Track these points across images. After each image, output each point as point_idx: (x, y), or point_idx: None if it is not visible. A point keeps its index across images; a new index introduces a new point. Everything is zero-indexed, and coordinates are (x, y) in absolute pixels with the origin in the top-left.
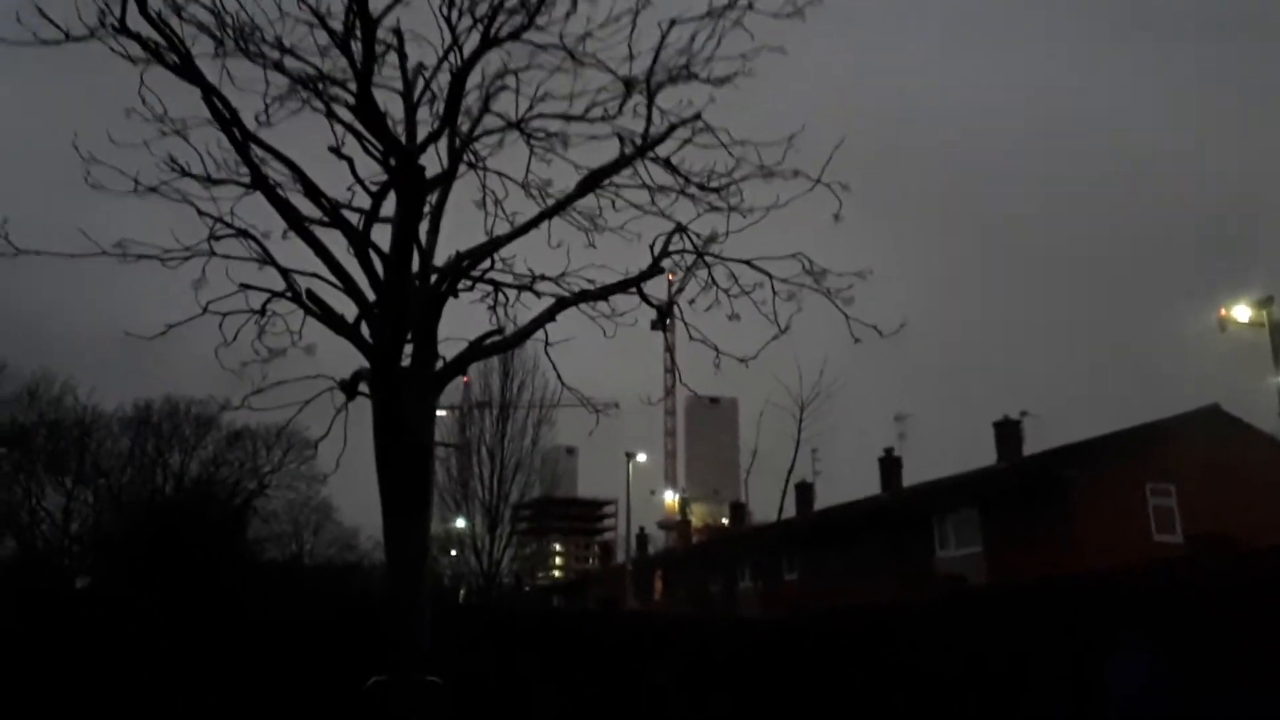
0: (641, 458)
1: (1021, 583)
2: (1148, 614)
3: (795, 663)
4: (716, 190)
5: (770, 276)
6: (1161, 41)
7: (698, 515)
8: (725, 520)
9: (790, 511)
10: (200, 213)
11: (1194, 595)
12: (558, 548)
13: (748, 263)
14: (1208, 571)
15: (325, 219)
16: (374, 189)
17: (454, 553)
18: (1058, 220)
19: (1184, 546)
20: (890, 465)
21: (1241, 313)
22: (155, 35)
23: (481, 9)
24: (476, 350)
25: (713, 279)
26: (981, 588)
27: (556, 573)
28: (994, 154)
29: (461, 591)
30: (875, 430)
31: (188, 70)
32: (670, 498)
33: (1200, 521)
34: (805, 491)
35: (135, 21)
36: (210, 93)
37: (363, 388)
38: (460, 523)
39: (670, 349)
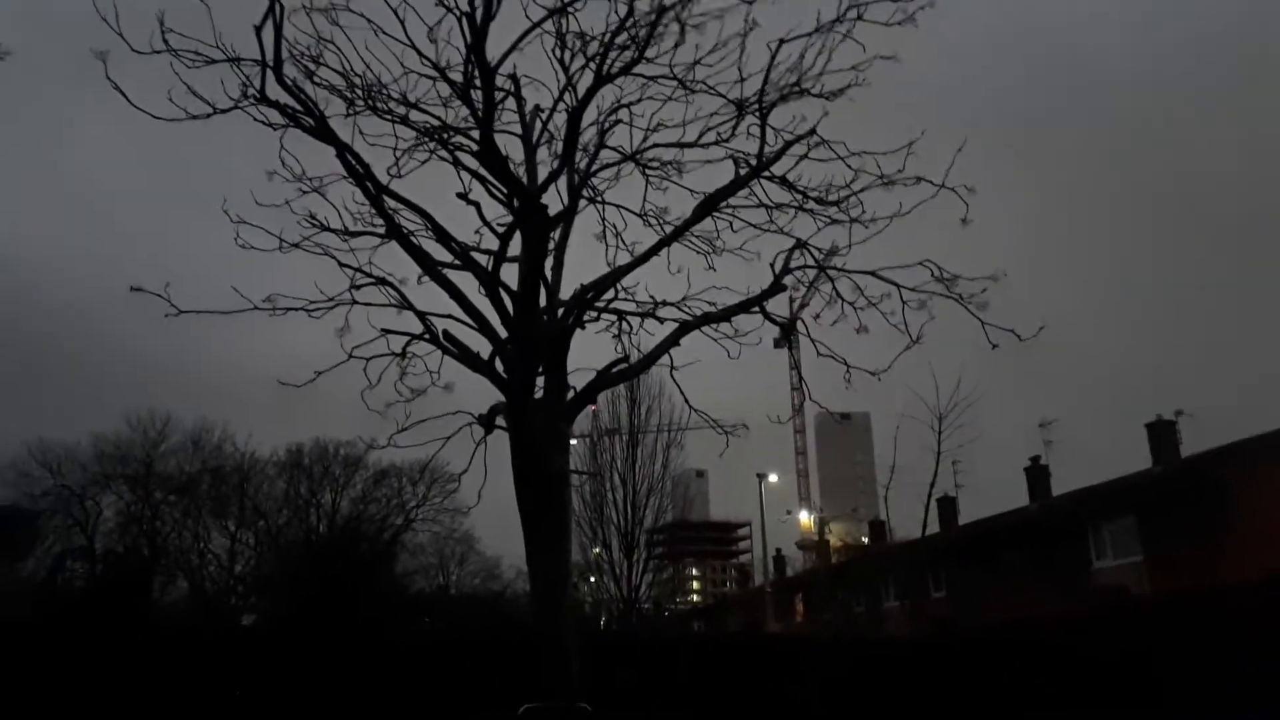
0: (773, 478)
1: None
2: None
3: (943, 682)
4: (835, 203)
5: (898, 286)
6: None
7: (836, 534)
8: (865, 539)
9: (933, 527)
10: (340, 264)
11: None
12: (694, 571)
13: (873, 274)
14: None
15: (457, 262)
16: (500, 230)
17: (593, 579)
18: (1240, 191)
19: None
20: (1038, 474)
21: None
22: (292, 102)
23: (593, 48)
24: (604, 379)
25: (837, 292)
26: (1149, 596)
27: (695, 597)
28: (1157, 111)
29: (603, 618)
30: (1019, 439)
31: (323, 131)
32: (805, 518)
33: None
34: (948, 506)
35: (273, 91)
36: (344, 150)
37: (500, 421)
38: (598, 549)
39: (796, 366)
